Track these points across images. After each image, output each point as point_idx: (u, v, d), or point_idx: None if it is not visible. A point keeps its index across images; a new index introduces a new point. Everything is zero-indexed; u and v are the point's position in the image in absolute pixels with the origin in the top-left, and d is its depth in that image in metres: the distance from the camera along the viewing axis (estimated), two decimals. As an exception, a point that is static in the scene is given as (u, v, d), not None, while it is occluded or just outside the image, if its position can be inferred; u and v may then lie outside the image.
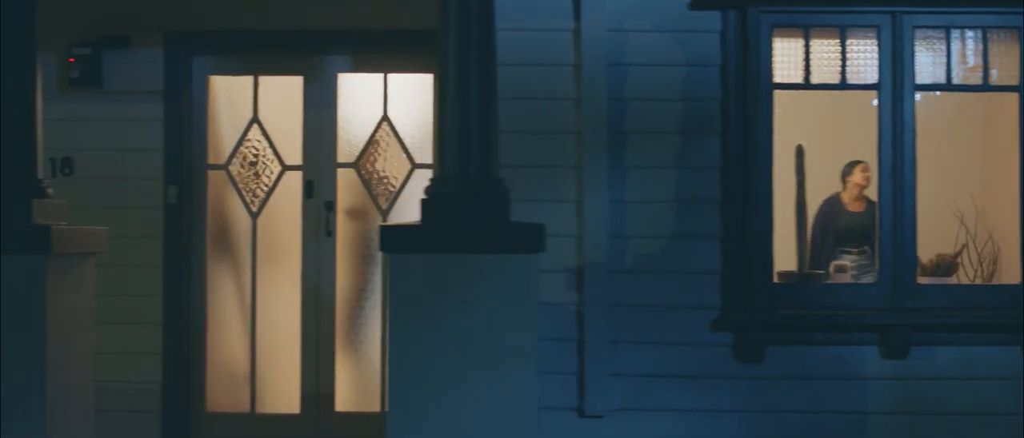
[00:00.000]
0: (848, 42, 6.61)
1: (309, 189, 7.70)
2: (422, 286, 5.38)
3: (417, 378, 5.38)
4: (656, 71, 6.62)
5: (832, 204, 7.96)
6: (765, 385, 6.53)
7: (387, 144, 7.81)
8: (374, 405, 7.73)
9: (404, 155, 7.78)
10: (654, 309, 6.57)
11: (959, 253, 6.90)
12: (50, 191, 5.73)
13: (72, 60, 7.51)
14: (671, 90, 6.61)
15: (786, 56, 6.65)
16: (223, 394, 7.77)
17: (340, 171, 7.77)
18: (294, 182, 7.76)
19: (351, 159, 7.79)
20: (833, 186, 7.85)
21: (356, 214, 7.79)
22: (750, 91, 6.51)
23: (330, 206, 7.73)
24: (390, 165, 7.80)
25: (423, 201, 5.53)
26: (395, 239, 5.43)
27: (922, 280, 6.57)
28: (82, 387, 5.83)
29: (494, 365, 5.36)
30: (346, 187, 7.79)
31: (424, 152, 7.74)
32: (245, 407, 7.75)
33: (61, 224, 5.63)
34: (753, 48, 6.51)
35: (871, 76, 6.57)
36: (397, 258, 5.40)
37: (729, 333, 6.53)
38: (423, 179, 7.68)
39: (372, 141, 7.81)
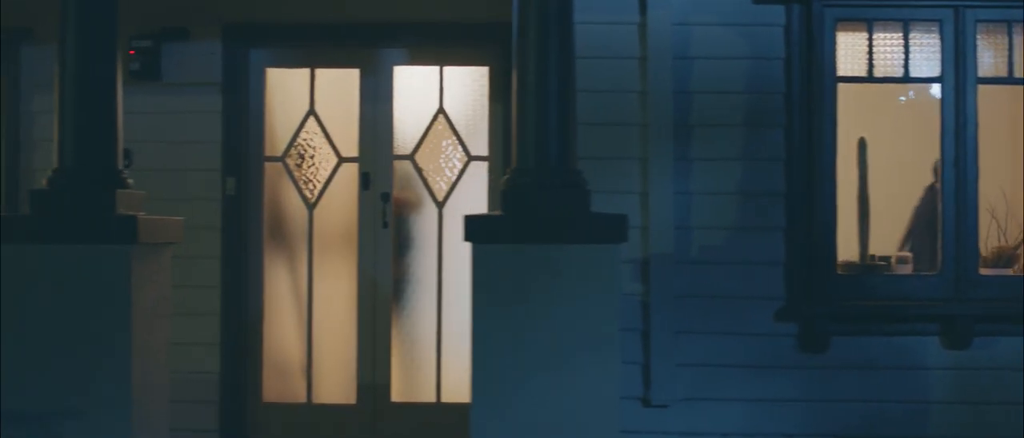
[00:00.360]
0: (911, 36, 6.67)
1: (365, 181, 7.76)
2: (506, 276, 5.45)
3: (500, 366, 5.45)
4: (721, 64, 6.68)
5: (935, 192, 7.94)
6: (828, 375, 6.59)
7: (443, 136, 7.87)
8: (429, 395, 7.79)
9: (460, 147, 7.84)
10: (719, 300, 6.63)
11: (1019, 245, 6.96)
12: (130, 181, 5.78)
13: (132, 52, 7.55)
14: (735, 83, 6.67)
15: (849, 50, 6.71)
16: (279, 384, 7.83)
17: (396, 163, 7.82)
18: (350, 174, 7.81)
19: (407, 151, 7.84)
20: (894, 179, 7.91)
21: (412, 206, 7.85)
22: (814, 84, 6.58)
23: (386, 198, 7.79)
24: (446, 157, 7.85)
25: (503, 192, 5.60)
26: (480, 229, 5.50)
27: (984, 271, 6.65)
28: (160, 377, 5.88)
29: (577, 354, 5.43)
30: (402, 179, 7.85)
31: (479, 144, 7.81)
32: (301, 397, 7.81)
33: (141, 214, 5.68)
34: (817, 42, 6.57)
35: (933, 70, 6.64)
36: (482, 248, 5.47)
37: (793, 323, 6.60)
38: (478, 171, 7.77)
39: (428, 133, 7.86)
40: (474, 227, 5.50)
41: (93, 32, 5.69)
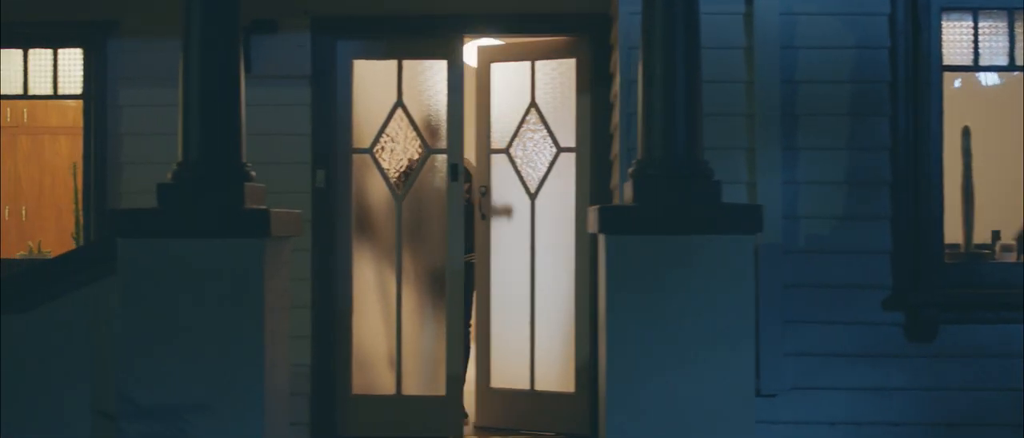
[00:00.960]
0: (1016, 24, 6.69)
1: (454, 172, 7.75)
2: (641, 266, 5.46)
3: (635, 357, 5.46)
4: (826, 54, 6.70)
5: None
6: (935, 363, 6.62)
7: (533, 128, 7.87)
8: (523, 383, 7.81)
9: (549, 139, 7.83)
10: (826, 289, 6.65)
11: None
12: (254, 174, 5.76)
13: (223, 45, 7.49)
14: (840, 72, 6.69)
15: (954, 38, 6.72)
16: (368, 376, 7.83)
17: (492, 156, 7.89)
18: (440, 165, 7.80)
19: (500, 144, 7.86)
20: (995, 168, 7.92)
21: (507, 198, 7.86)
22: (920, 73, 6.60)
23: (483, 191, 7.82)
24: (536, 149, 7.86)
25: (634, 183, 5.60)
26: (613, 220, 5.51)
27: (1091, 259, 6.68)
28: (283, 371, 5.88)
29: (712, 345, 5.44)
30: (495, 171, 7.86)
31: (567, 136, 7.80)
32: (391, 389, 7.81)
33: (273, 209, 5.67)
34: (924, 30, 6.59)
35: (1039, 58, 6.66)
36: (615, 239, 5.48)
37: (900, 312, 6.62)
38: (567, 162, 7.77)
39: (522, 125, 7.87)
40: (607, 218, 5.50)
41: (216, 25, 5.66)
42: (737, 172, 6.63)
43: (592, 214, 5.74)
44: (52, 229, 10.38)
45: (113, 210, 5.60)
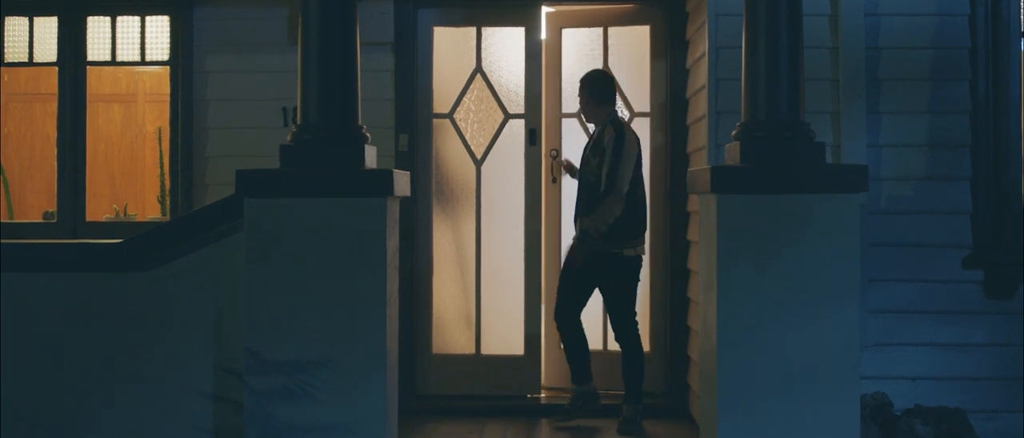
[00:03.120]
0: (1093, -8, 6.90)
1: (532, 137, 7.94)
2: (751, 225, 5.65)
3: (745, 314, 5.65)
4: (907, 21, 6.91)
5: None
6: (1014, 320, 6.85)
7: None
8: (596, 344, 8.00)
9: (624, 104, 8.02)
10: (907, 249, 6.89)
11: None
12: (368, 135, 5.94)
13: (308, 12, 7.65)
14: (922, 39, 6.91)
15: (1031, 5, 6.93)
16: (448, 336, 8.02)
17: (565, 121, 8.02)
18: (518, 130, 7.99)
19: (572, 109, 8.03)
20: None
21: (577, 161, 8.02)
22: (999, 39, 6.81)
23: (555, 155, 7.99)
24: (610, 114, 8.03)
25: (740, 145, 5.78)
26: (724, 180, 5.69)
27: None
28: (396, 327, 6.05)
29: (820, 302, 5.63)
30: (570, 136, 8.04)
31: (640, 101, 7.99)
32: (470, 349, 8.01)
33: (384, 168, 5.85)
34: (1003, -2, 6.80)
35: (1114, 24, 6.87)
36: (727, 198, 5.67)
37: (980, 271, 6.85)
38: (641, 127, 7.95)
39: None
40: (719, 178, 5.69)
41: (335, -6, 5.83)
42: (822, 135, 6.83)
43: (700, 174, 5.94)
44: (104, 196, 10.53)
45: (240, 171, 5.73)
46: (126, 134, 10.62)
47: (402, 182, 5.95)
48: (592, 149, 7.19)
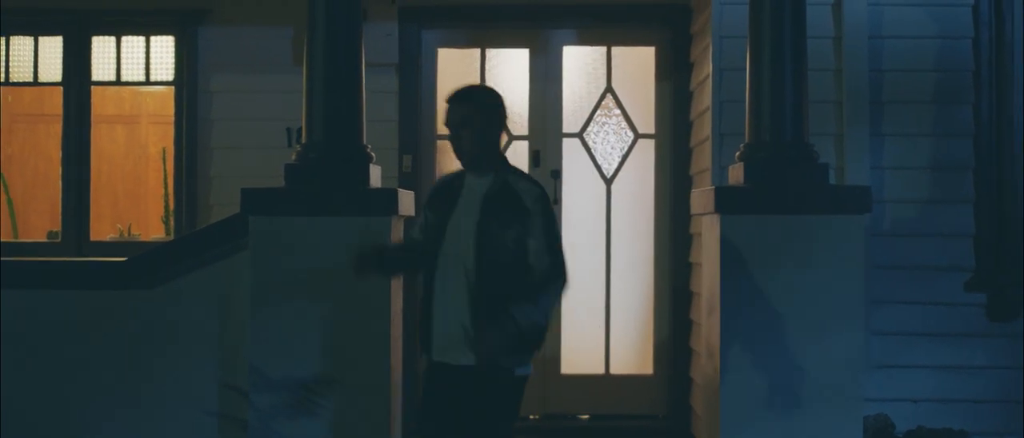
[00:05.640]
0: (1098, 16, 6.94)
1: (536, 158, 7.95)
2: (754, 246, 5.67)
3: (748, 333, 5.67)
4: (911, 43, 6.95)
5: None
6: (1017, 343, 6.85)
7: (610, 115, 8.07)
8: (598, 368, 7.99)
9: (627, 126, 8.04)
10: (909, 270, 6.90)
11: None
12: (373, 155, 5.96)
13: (313, 33, 7.68)
14: (925, 62, 6.95)
15: (1034, 29, 6.97)
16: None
17: (566, 141, 8.03)
18: (521, 152, 8.00)
19: (576, 129, 8.05)
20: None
21: (581, 183, 8.04)
22: (1003, 62, 6.84)
23: (556, 175, 7.99)
24: (614, 135, 8.05)
25: (744, 165, 5.81)
26: (728, 200, 5.72)
27: None
28: (398, 344, 6.03)
29: (823, 323, 5.65)
30: (571, 157, 8.05)
31: (646, 122, 8.01)
32: (473, 370, 7.99)
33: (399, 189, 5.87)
34: (1007, 21, 6.84)
35: (1116, 48, 6.90)
36: (730, 219, 5.69)
37: (983, 293, 6.85)
38: (646, 148, 7.97)
39: (596, 112, 8.05)
40: (723, 198, 5.71)
41: (340, 11, 5.85)
42: (826, 156, 6.78)
43: (703, 195, 5.96)
44: (107, 217, 10.55)
45: (245, 189, 5.76)
46: (129, 155, 10.63)
47: (406, 201, 5.97)
48: (496, 213, 4.71)
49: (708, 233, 5.99)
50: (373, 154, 5.96)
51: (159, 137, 10.30)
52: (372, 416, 5.63)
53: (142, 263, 5.97)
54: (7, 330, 5.87)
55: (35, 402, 5.90)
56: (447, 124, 4.93)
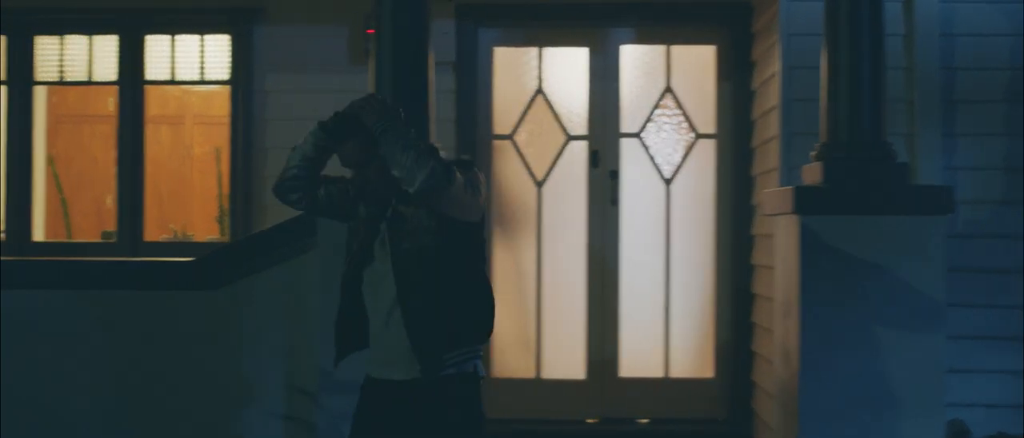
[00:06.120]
0: None
1: (594, 159, 7.85)
2: (836, 246, 5.55)
3: (829, 334, 5.55)
4: (982, 41, 6.82)
5: None
6: (1092, 349, 6.71)
7: (669, 114, 7.95)
8: (657, 371, 7.88)
9: (687, 125, 7.92)
10: (982, 273, 6.76)
11: None
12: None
13: (370, 32, 7.58)
14: (997, 59, 6.81)
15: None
16: (510, 360, 7.92)
17: (623, 141, 7.91)
18: (579, 152, 7.90)
19: (635, 129, 7.93)
20: None
21: (640, 183, 7.93)
22: (1076, 60, 6.70)
23: (614, 175, 7.88)
24: (673, 135, 7.93)
25: (822, 165, 5.69)
26: (808, 201, 5.60)
27: None
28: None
29: (904, 327, 5.53)
30: (630, 157, 7.94)
31: (706, 123, 7.89)
32: (530, 373, 7.90)
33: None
34: (1080, 18, 6.69)
35: None
36: (810, 219, 5.57)
37: (1058, 296, 6.72)
38: (706, 148, 7.85)
39: (654, 111, 7.94)
40: (802, 199, 5.59)
41: (412, 17, 5.80)
42: (899, 157, 6.71)
43: (778, 195, 5.84)
44: (153, 218, 10.50)
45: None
46: (174, 155, 10.59)
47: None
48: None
49: (784, 234, 5.87)
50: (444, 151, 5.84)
51: (203, 138, 10.25)
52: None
53: (209, 264, 5.91)
54: (74, 329, 5.81)
55: (101, 400, 5.85)
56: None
